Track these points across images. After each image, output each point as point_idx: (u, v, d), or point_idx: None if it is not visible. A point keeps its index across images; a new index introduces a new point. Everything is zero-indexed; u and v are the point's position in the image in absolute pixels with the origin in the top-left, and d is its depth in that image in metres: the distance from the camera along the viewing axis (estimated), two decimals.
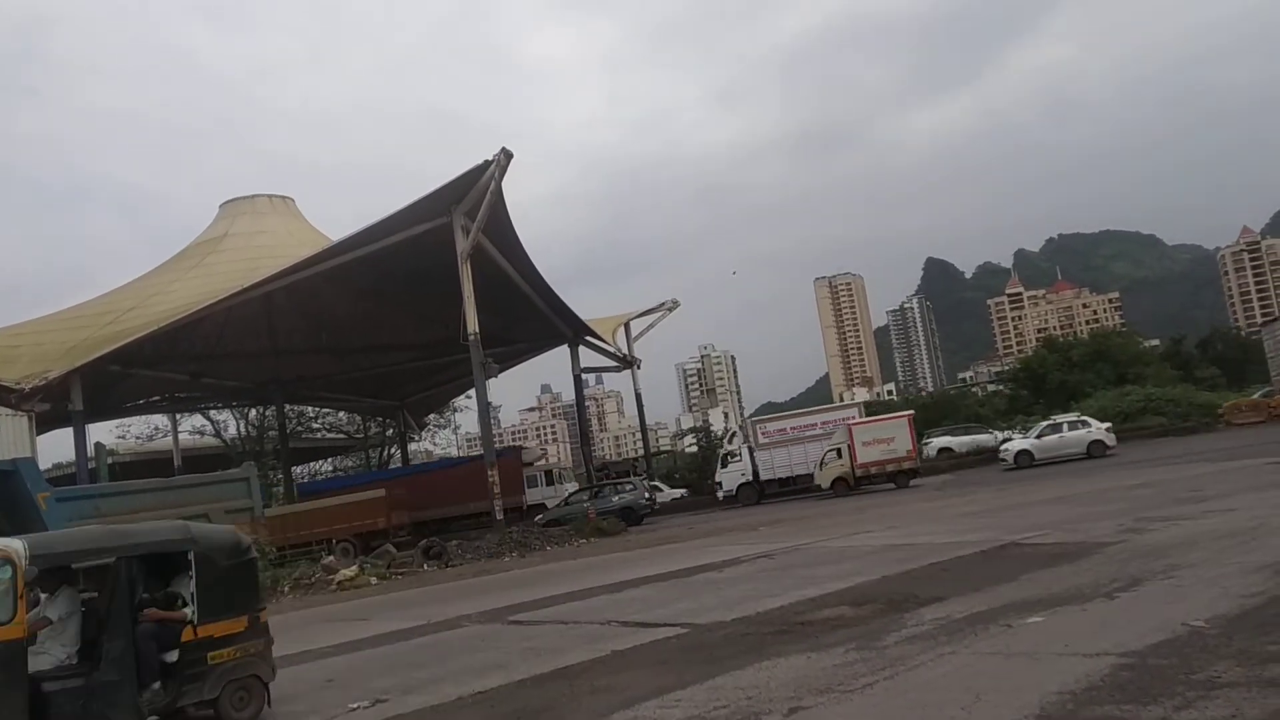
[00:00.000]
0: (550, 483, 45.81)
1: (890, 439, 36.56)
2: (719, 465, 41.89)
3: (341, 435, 67.14)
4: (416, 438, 65.62)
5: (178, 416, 53.42)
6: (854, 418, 40.25)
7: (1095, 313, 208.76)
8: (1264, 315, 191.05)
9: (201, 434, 59.28)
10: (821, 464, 37.43)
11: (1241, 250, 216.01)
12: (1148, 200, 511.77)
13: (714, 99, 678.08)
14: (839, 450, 37.24)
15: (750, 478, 40.37)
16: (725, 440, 46.02)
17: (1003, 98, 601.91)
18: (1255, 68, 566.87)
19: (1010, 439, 42.41)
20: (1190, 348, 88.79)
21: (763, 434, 41.41)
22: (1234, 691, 6.10)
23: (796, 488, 39.45)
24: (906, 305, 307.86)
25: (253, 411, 57.85)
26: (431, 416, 65.67)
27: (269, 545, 27.99)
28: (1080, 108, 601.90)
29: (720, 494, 40.69)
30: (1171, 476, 23.76)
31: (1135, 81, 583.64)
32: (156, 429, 56.73)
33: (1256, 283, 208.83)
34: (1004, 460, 38.71)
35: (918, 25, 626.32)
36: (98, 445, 39.35)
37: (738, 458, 41.12)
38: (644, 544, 27.05)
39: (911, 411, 39.51)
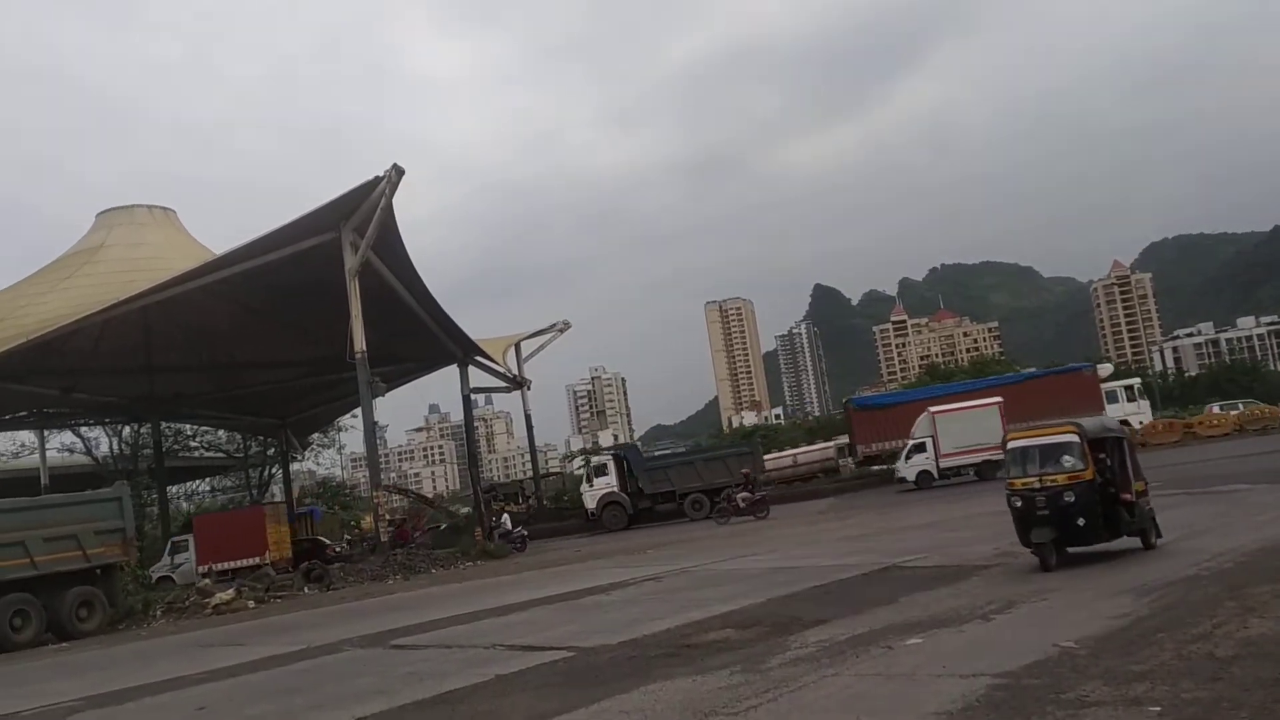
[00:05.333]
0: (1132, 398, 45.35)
1: None
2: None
3: (220, 454, 65.12)
4: (299, 457, 64.06)
5: (46, 433, 51.17)
6: None
7: (975, 341, 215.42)
8: (1133, 345, 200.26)
9: (71, 451, 56.79)
10: None
11: (1113, 283, 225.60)
12: (1026, 234, 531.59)
13: (607, 121, 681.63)
14: None
15: None
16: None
17: (889, 130, 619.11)
18: (1127, 109, 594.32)
19: None
20: None
21: None
22: (1101, 710, 6.31)
23: None
24: (795, 330, 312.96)
25: (127, 429, 55.73)
26: (315, 436, 64.18)
27: None
28: (962, 143, 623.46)
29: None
30: None
31: (1013, 119, 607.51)
32: (23, 446, 54.21)
33: (1126, 314, 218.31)
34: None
35: (807, 56, 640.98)
36: None
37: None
38: (531, 566, 26.88)
39: None
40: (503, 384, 52.86)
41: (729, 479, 38.06)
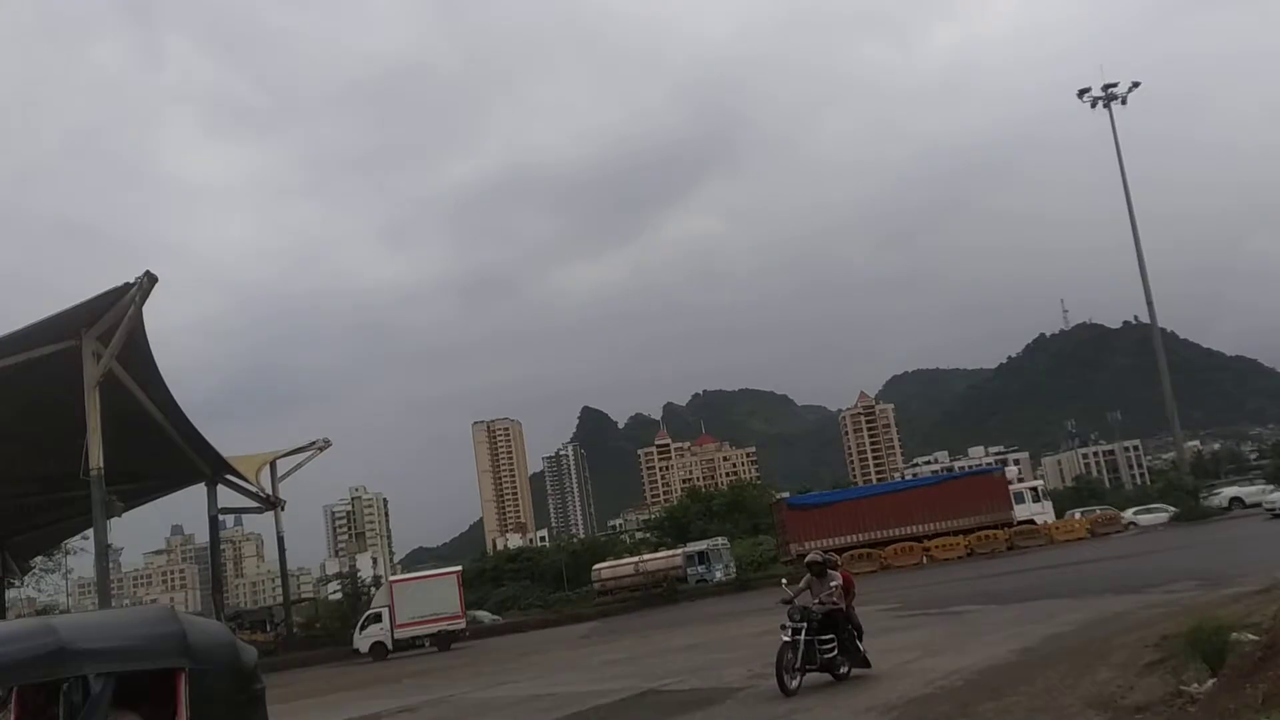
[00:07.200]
0: (1037, 499, 50.42)
1: None
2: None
3: None
4: (17, 583, 58.57)
5: None
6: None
7: (734, 465, 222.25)
8: (879, 471, 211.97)
9: None
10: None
11: (859, 413, 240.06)
12: (782, 363, 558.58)
13: (378, 238, 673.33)
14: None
15: None
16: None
17: (658, 259, 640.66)
18: (867, 253, 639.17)
19: None
20: None
21: None
22: None
23: None
24: (562, 452, 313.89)
25: None
26: (38, 560, 58.93)
27: None
28: (724, 274, 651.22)
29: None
30: None
31: (772, 256, 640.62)
32: None
33: (871, 442, 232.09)
34: None
35: (580, 185, 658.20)
36: None
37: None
38: (277, 699, 25.30)
39: None
40: (254, 504, 50.44)
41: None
